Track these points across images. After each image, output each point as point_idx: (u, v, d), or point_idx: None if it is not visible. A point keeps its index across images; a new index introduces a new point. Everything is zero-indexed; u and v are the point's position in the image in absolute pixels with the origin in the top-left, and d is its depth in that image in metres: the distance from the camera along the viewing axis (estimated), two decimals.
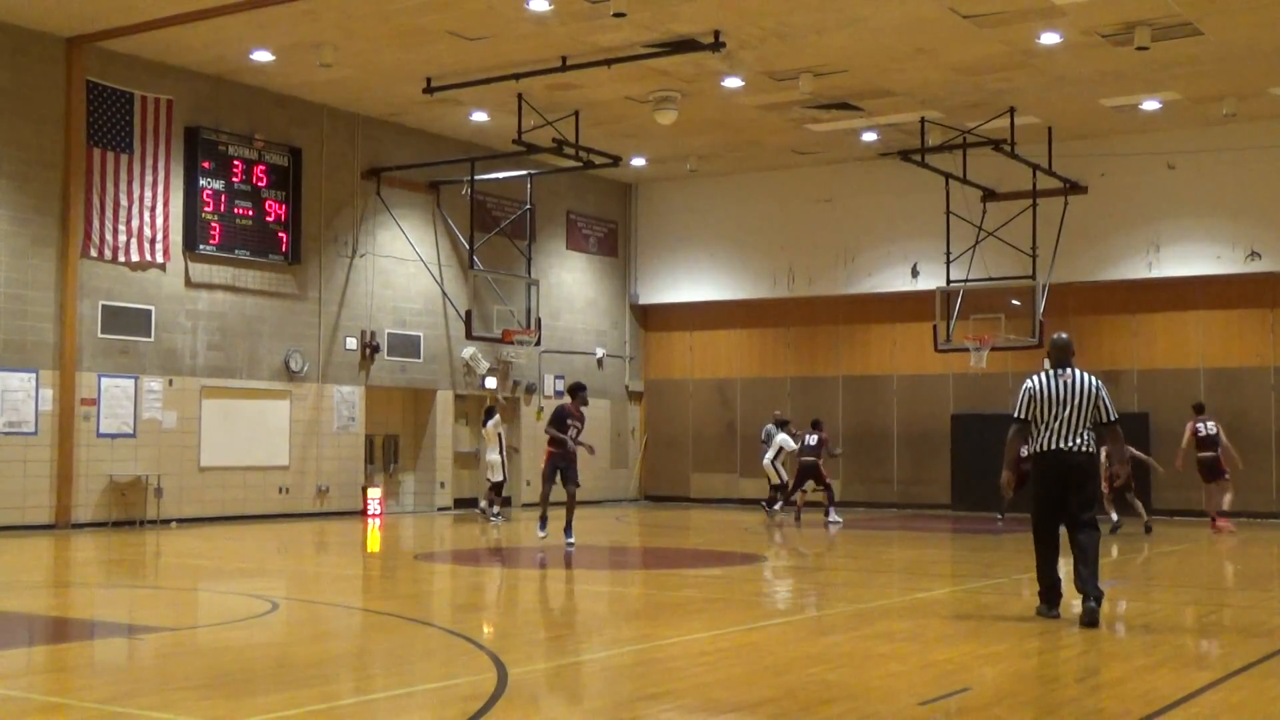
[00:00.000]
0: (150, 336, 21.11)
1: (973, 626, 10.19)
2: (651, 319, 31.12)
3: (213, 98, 22.11)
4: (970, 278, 24.54)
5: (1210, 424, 21.34)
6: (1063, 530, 10.53)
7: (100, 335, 20.46)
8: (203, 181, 21.78)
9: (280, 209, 22.97)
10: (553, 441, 17.23)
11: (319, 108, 23.68)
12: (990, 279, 24.49)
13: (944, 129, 23.69)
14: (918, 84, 21.91)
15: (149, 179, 21.04)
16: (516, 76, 20.94)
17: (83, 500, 20.14)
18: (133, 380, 20.89)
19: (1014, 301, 24.62)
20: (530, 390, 27.96)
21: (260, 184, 22.67)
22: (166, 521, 20.94)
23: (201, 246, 21.73)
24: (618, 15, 17.75)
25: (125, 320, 20.79)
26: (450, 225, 26.13)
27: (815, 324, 28.96)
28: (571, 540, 17.16)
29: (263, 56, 20.88)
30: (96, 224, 20.35)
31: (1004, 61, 20.65)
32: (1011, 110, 22.91)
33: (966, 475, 25.60)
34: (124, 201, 20.70)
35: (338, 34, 19.68)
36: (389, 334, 24.97)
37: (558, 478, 17.15)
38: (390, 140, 25.02)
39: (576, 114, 22.89)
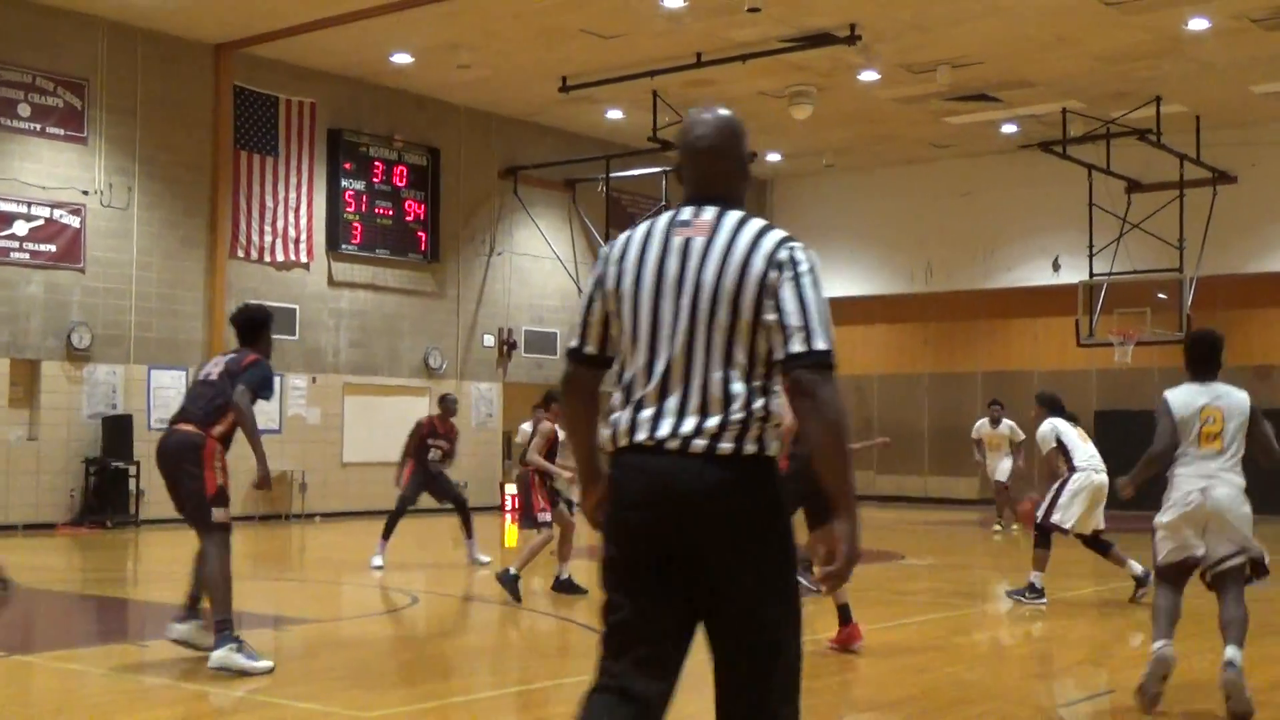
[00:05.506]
0: (295, 335, 21.58)
1: (1118, 627, 9.97)
2: None
3: (354, 100, 22.52)
4: (1114, 271, 23.98)
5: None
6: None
7: None
8: (344, 182, 22.21)
9: (419, 208, 23.34)
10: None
11: (457, 108, 23.98)
12: (1135, 272, 23.90)
13: (1086, 119, 23.16)
14: (1059, 74, 21.46)
15: (293, 180, 21.52)
16: (651, 74, 20.97)
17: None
18: (278, 377, 21.32)
19: (1160, 295, 23.98)
20: None
21: (400, 184, 23.05)
22: (310, 516, 21.40)
23: (343, 246, 22.16)
24: (752, 10, 17.67)
25: None
26: (586, 223, 26.30)
27: (954, 319, 28.54)
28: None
29: (402, 59, 21.22)
30: (243, 225, 20.87)
31: (1149, 49, 20.12)
32: (1157, 99, 22.31)
33: (1110, 471, 25.00)
34: (269, 203, 21.20)
35: (475, 35, 19.92)
36: (526, 331, 25.21)
37: None
38: (527, 139, 25.24)
39: None
